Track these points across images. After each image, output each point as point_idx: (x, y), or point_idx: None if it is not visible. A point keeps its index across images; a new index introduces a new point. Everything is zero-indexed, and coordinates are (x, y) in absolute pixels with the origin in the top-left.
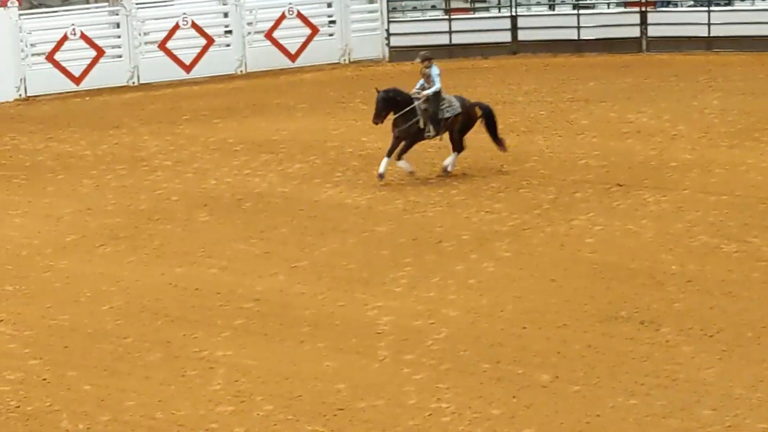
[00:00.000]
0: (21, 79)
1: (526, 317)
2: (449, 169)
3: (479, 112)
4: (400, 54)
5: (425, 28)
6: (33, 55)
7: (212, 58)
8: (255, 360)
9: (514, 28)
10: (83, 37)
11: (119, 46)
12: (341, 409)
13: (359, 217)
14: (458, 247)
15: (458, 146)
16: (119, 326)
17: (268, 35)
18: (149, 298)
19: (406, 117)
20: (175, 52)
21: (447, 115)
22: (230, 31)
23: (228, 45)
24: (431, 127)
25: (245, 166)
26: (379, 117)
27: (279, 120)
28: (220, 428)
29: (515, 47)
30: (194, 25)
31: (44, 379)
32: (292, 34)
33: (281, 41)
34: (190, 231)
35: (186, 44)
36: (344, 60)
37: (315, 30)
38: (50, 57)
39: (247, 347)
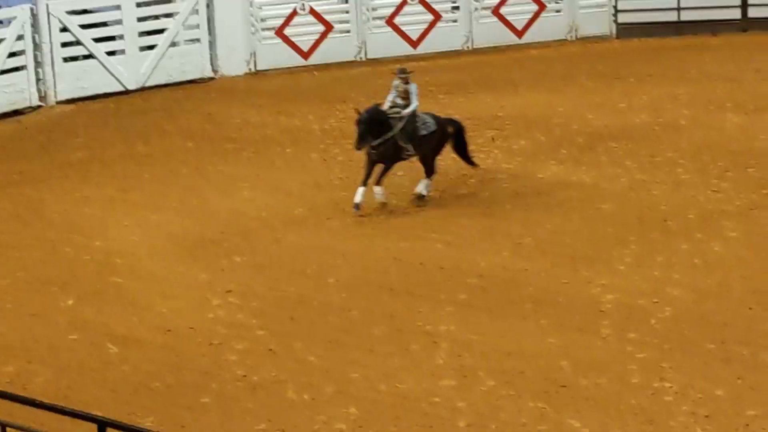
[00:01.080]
0: (251, 54)
1: (753, 297)
2: (424, 193)
3: (452, 130)
4: (627, 31)
5: (653, 5)
6: (263, 30)
7: (439, 34)
8: (478, 335)
9: (745, 5)
10: (312, 12)
11: (347, 22)
12: (564, 386)
13: (584, 195)
14: (684, 227)
15: (431, 169)
16: (345, 299)
17: (495, 11)
18: (374, 271)
19: (378, 135)
20: (403, 28)
21: (423, 133)
22: (457, 7)
23: (455, 21)
24: (410, 146)
25: (470, 142)
26: (363, 141)
27: (504, 96)
28: (443, 402)
29: (745, 24)
30: (422, 2)
31: (271, 350)
32: (519, 10)
33: (508, 17)
34: (415, 206)
35: (413, 20)
36: (570, 37)
37: (542, 6)
38: (279, 32)
39: (470, 322)
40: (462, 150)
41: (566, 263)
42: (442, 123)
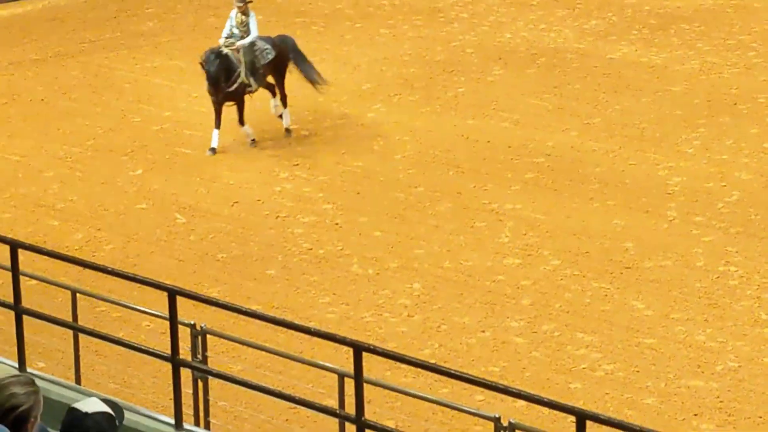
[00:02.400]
0: None
1: None
2: (291, 128)
3: (284, 47)
4: None
5: None
6: None
7: None
8: (543, 214)
9: None
10: None
11: None
12: (628, 268)
13: (654, 76)
14: (754, 110)
15: (284, 97)
16: (411, 175)
17: None
18: (441, 148)
19: (228, 77)
20: None
21: (263, 62)
22: None
23: None
24: (252, 80)
25: (541, 20)
26: (217, 90)
27: None
28: (507, 280)
29: None
30: None
31: (336, 224)
32: None
33: None
34: (483, 84)
35: None
36: None
37: None
38: None
39: (536, 201)
40: (303, 65)
41: (634, 144)
42: (278, 44)
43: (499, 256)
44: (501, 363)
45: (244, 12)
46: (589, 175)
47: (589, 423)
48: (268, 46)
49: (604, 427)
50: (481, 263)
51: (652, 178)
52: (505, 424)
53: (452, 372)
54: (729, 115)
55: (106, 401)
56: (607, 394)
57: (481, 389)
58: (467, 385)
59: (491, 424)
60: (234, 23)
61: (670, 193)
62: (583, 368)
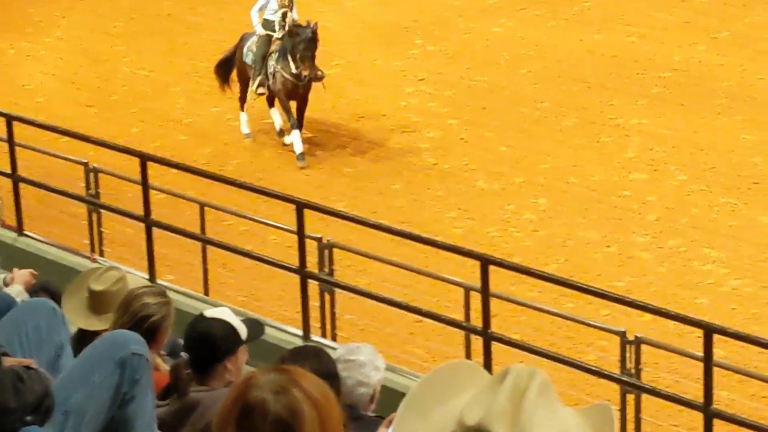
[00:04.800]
0: None
1: None
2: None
3: None
4: None
5: None
6: None
7: None
8: (670, 129)
9: None
10: None
11: None
12: (756, 183)
13: None
14: None
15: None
16: (536, 90)
17: None
18: (567, 63)
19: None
20: None
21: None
22: None
23: None
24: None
25: None
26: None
27: None
28: (633, 195)
29: None
30: None
31: (462, 139)
32: None
33: None
34: None
35: None
36: None
37: None
38: None
39: (662, 116)
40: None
41: (763, 58)
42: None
43: (625, 171)
44: (626, 278)
45: None
46: (717, 89)
47: (716, 337)
48: None
49: (730, 341)
50: (607, 178)
51: None
52: (631, 338)
53: (578, 285)
54: None
55: (247, 318)
56: (733, 309)
57: (607, 304)
58: (592, 300)
59: (617, 339)
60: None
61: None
62: (710, 283)
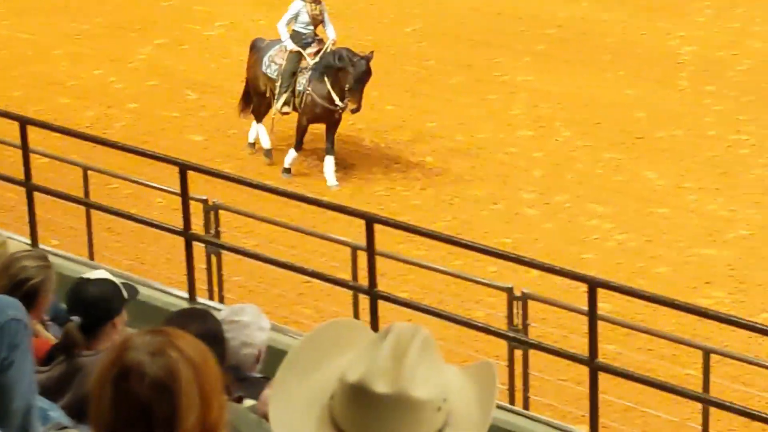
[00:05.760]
0: None
1: None
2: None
3: None
4: None
5: None
6: None
7: None
8: (555, 86)
9: None
10: None
11: None
12: (640, 138)
13: None
14: None
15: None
16: (422, 48)
17: None
18: (452, 21)
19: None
20: None
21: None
22: None
23: None
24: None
25: None
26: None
27: None
28: (520, 152)
29: None
30: None
31: None
32: None
33: None
34: None
35: None
36: None
37: None
38: None
39: (547, 73)
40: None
41: (645, 14)
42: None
43: (512, 128)
44: (514, 234)
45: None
46: (600, 45)
47: (601, 291)
48: None
49: (616, 295)
50: (493, 135)
51: (663, 48)
52: (518, 294)
53: (465, 242)
54: None
55: (120, 280)
56: (619, 263)
57: (494, 260)
58: (480, 257)
59: (504, 295)
60: (308, 16)
61: (681, 63)
62: (596, 239)
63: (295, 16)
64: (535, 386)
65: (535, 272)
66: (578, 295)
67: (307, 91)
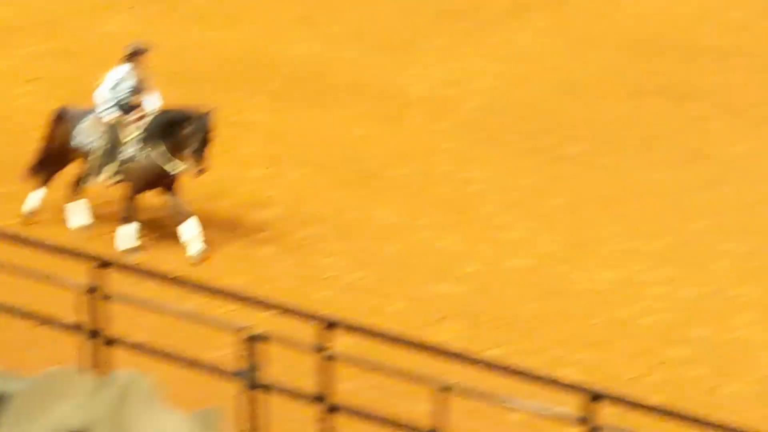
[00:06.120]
0: None
1: (559, 88)
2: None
3: None
4: None
5: None
6: None
7: None
8: (288, 125)
9: None
10: None
11: None
12: (372, 176)
13: None
14: (494, 16)
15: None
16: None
17: None
18: (186, 60)
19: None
20: None
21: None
22: None
23: None
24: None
25: None
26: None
27: None
28: (253, 191)
29: None
30: None
31: None
32: None
33: None
34: None
35: None
36: None
37: None
38: None
39: (281, 112)
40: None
41: (376, 53)
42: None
43: (245, 167)
44: (250, 273)
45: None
46: (332, 84)
47: (337, 330)
48: None
49: (350, 334)
50: (227, 174)
51: (394, 87)
52: (252, 334)
53: (198, 284)
54: (470, 20)
55: None
56: (354, 301)
57: (228, 301)
58: (214, 297)
59: (238, 335)
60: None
61: (411, 101)
62: (331, 276)
63: (120, 82)
64: (270, 428)
65: (269, 312)
66: (313, 334)
67: (139, 157)
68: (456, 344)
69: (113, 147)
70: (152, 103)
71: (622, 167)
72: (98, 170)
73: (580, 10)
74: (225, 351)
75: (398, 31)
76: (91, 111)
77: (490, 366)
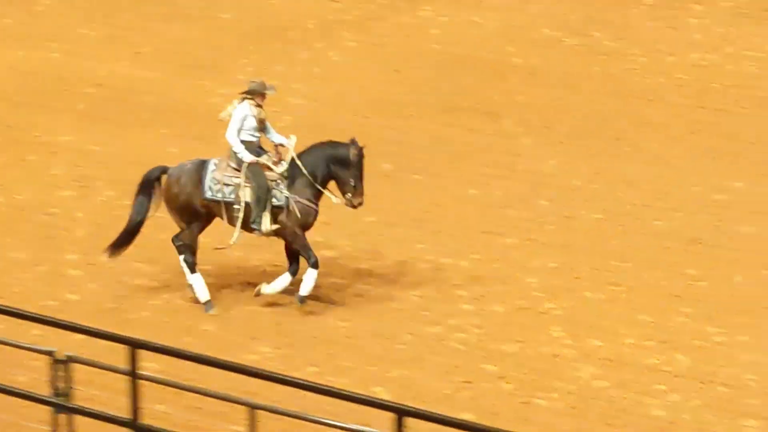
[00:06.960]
0: None
1: (369, 107)
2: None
3: None
4: None
5: None
6: None
7: None
8: (97, 145)
9: None
10: None
11: None
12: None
13: (204, 3)
14: (303, 36)
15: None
16: None
17: None
18: None
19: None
20: None
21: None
22: None
23: None
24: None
25: None
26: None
27: None
28: (62, 212)
29: None
30: None
31: None
32: None
33: None
34: (31, 14)
35: None
36: None
37: None
38: None
39: (89, 132)
40: None
41: (187, 72)
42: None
43: (53, 189)
44: (59, 296)
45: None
46: (141, 104)
47: (146, 353)
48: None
49: (160, 356)
50: (34, 197)
51: (205, 106)
52: (61, 357)
53: (5, 308)
54: (279, 41)
55: None
56: (166, 322)
57: (37, 324)
58: (23, 321)
59: (47, 359)
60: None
61: (221, 120)
62: (139, 299)
63: (243, 124)
64: None
65: (80, 335)
66: (123, 354)
67: (293, 200)
68: (268, 364)
69: (266, 193)
70: (281, 141)
71: (433, 184)
72: (259, 220)
73: (389, 29)
74: (34, 375)
75: (207, 51)
76: (202, 161)
77: (297, 386)
